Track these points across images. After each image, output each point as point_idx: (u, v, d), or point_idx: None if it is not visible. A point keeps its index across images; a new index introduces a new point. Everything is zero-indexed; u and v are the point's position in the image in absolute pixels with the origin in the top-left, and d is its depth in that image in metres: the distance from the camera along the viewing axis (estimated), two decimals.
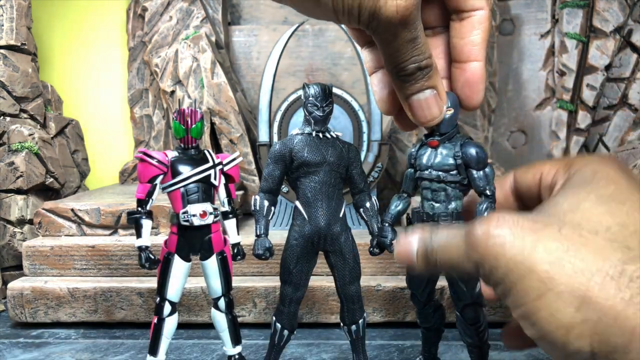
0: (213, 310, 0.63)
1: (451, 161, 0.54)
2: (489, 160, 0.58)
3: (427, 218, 0.56)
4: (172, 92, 1.13)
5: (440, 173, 0.54)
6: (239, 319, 0.70)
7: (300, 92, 0.62)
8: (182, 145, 0.60)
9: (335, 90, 0.96)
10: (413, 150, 0.58)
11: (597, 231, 0.34)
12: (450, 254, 0.37)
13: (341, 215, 0.58)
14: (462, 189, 0.55)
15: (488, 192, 0.53)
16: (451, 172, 0.54)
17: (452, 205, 0.55)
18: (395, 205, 0.59)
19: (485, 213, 0.52)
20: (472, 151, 0.54)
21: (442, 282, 0.74)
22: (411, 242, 0.40)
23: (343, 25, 1.01)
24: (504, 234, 0.33)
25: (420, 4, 0.42)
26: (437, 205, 0.55)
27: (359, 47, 0.97)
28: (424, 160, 0.55)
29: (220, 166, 0.61)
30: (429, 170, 0.55)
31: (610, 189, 0.37)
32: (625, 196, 0.37)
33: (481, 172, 0.54)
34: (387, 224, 0.58)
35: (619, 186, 0.38)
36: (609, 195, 0.37)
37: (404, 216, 0.60)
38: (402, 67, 0.45)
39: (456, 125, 0.55)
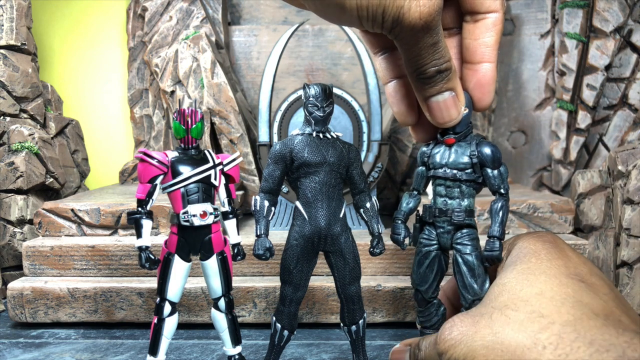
0: (213, 310, 0.63)
1: (466, 160, 0.55)
2: None
3: (439, 214, 0.56)
4: (172, 92, 1.13)
5: (455, 172, 0.55)
6: (239, 319, 0.70)
7: (300, 92, 0.63)
8: (182, 145, 0.60)
9: (335, 90, 0.96)
10: (425, 148, 0.58)
11: (518, 307, 0.42)
12: (431, 358, 0.48)
13: (341, 215, 0.58)
14: (476, 187, 0.56)
15: (502, 191, 0.55)
16: (466, 171, 0.55)
17: (466, 202, 0.56)
18: (407, 203, 0.60)
19: (500, 212, 0.54)
20: (488, 150, 0.55)
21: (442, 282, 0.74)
22: (403, 352, 0.53)
23: (344, 26, 1.01)
24: (454, 336, 0.44)
25: (441, 10, 0.43)
26: (450, 201, 0.56)
27: (361, 49, 0.98)
28: (438, 158, 0.56)
29: (221, 166, 0.61)
30: (444, 168, 0.56)
31: (530, 262, 0.46)
32: (545, 266, 0.45)
33: (496, 171, 0.55)
34: (399, 221, 0.59)
35: (539, 257, 0.46)
36: (528, 268, 0.45)
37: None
38: (423, 70, 0.46)
39: (470, 124, 0.56)
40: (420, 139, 0.58)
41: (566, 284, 0.42)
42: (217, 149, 1.10)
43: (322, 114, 0.57)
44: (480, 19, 0.49)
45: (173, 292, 0.59)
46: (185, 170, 0.59)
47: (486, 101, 0.53)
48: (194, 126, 0.59)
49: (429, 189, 0.60)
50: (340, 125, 0.97)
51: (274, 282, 0.81)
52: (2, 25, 1.03)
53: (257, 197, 0.58)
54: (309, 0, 0.43)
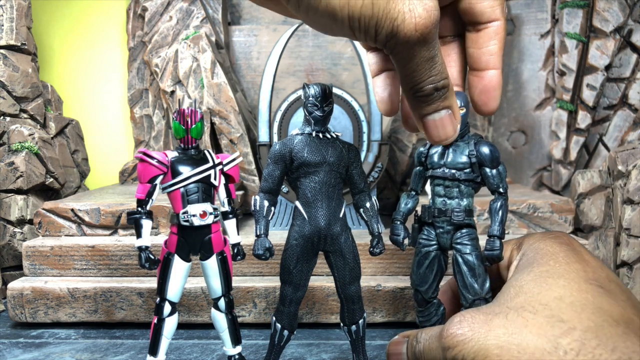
0: (213, 310, 0.63)
1: (465, 159, 0.55)
2: None
3: (438, 214, 0.56)
4: (172, 92, 1.13)
5: (454, 171, 0.55)
6: (239, 319, 0.70)
7: (300, 92, 0.62)
8: (182, 145, 0.60)
9: (335, 90, 0.96)
10: (423, 148, 0.58)
11: (536, 310, 0.41)
12: (432, 354, 0.45)
13: (341, 215, 0.58)
14: (475, 187, 0.57)
15: (501, 190, 0.55)
16: (465, 170, 0.55)
17: (465, 202, 0.56)
18: (405, 204, 0.60)
19: (500, 211, 0.54)
20: (487, 150, 0.55)
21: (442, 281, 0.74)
22: (401, 343, 0.50)
23: None
24: (464, 332, 0.42)
25: (438, 22, 0.42)
26: (449, 201, 0.56)
27: (360, 49, 0.98)
28: (436, 158, 0.56)
29: (220, 166, 0.61)
30: (443, 168, 0.56)
31: (548, 265, 0.45)
32: (563, 269, 0.44)
33: (495, 171, 0.55)
34: (398, 222, 0.60)
35: (557, 260, 0.45)
36: (546, 271, 0.44)
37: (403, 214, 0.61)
38: (420, 87, 0.45)
39: (467, 124, 0.56)
40: (411, 129, 0.57)
41: (586, 290, 0.42)
42: (217, 149, 1.10)
43: (321, 114, 0.57)
44: (482, 29, 0.49)
45: (173, 292, 0.59)
46: (185, 170, 0.59)
47: (492, 106, 0.52)
48: (193, 126, 0.59)
49: (429, 188, 0.60)
50: (340, 125, 0.97)
51: (274, 282, 0.81)
52: (2, 25, 1.03)
53: (257, 197, 0.58)
54: (300, 11, 0.42)
